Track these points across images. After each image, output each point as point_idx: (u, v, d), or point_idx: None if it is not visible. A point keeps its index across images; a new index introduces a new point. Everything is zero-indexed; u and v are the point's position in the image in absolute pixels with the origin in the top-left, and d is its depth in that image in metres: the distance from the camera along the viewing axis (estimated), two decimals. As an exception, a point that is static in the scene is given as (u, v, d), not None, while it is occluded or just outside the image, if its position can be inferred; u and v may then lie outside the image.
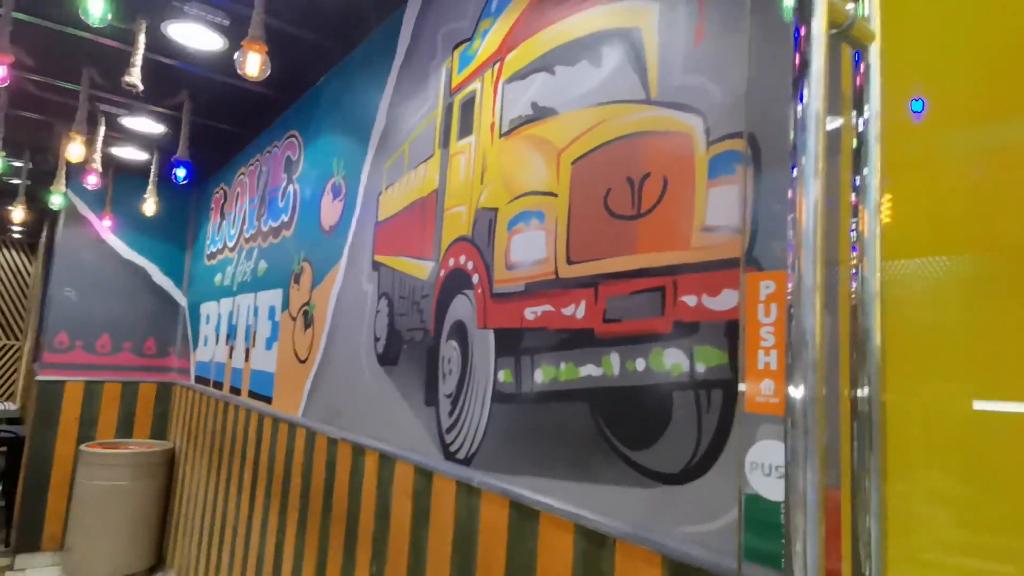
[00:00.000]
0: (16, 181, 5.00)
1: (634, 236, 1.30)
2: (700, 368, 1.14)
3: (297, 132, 3.24)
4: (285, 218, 3.22)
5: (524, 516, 1.49)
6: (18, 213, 4.73)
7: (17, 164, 4.66)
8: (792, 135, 0.71)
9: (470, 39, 1.96)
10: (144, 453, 4.44)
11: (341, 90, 2.81)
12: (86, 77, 3.15)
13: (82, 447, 4.40)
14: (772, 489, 0.97)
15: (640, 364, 1.25)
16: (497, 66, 1.81)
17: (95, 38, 2.76)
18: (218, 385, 3.95)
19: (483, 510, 1.63)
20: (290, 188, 3.22)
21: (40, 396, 4.64)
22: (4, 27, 2.52)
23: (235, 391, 3.63)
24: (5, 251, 8.98)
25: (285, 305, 3.06)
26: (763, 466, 0.98)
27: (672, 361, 1.19)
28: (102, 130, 3.55)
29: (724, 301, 1.11)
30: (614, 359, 1.30)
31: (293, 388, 2.85)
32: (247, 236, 3.78)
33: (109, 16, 2.13)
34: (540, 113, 1.61)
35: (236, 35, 2.60)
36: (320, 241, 2.79)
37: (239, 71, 2.17)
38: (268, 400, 3.14)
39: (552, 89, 1.58)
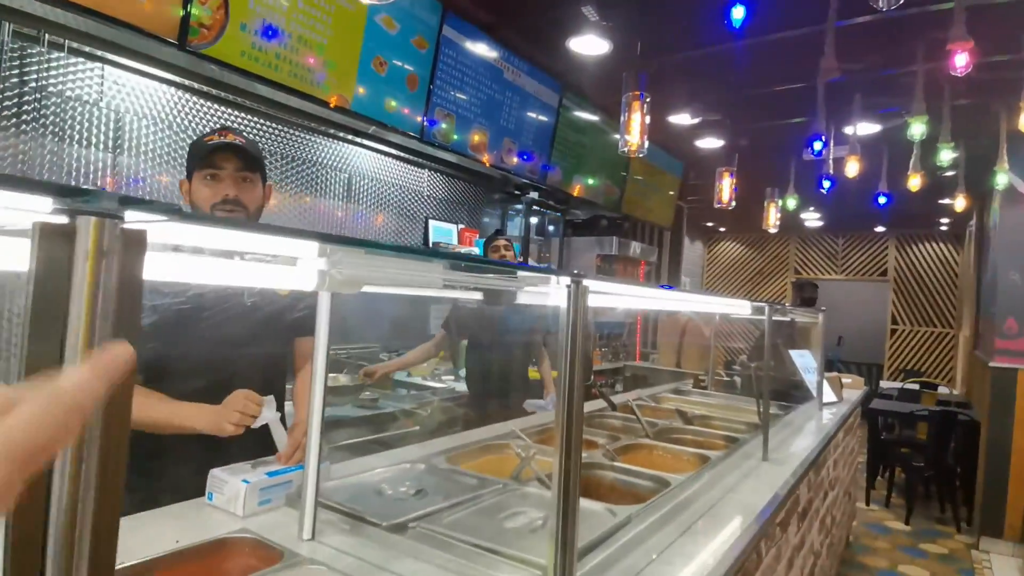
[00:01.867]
0: (951, 173, 5.15)
1: None
2: None
3: None
4: None
5: None
6: (959, 202, 4.84)
7: (953, 155, 4.78)
8: None
9: None
10: None
11: None
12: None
13: (1048, 445, 4.00)
14: None
15: None
16: None
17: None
18: None
19: None
20: None
21: (994, 383, 4.55)
22: (959, 12, 2.55)
23: None
24: (932, 243, 9.56)
25: None
26: None
27: None
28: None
29: None
30: None
31: None
32: None
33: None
34: None
35: None
36: None
37: None
38: None
39: None
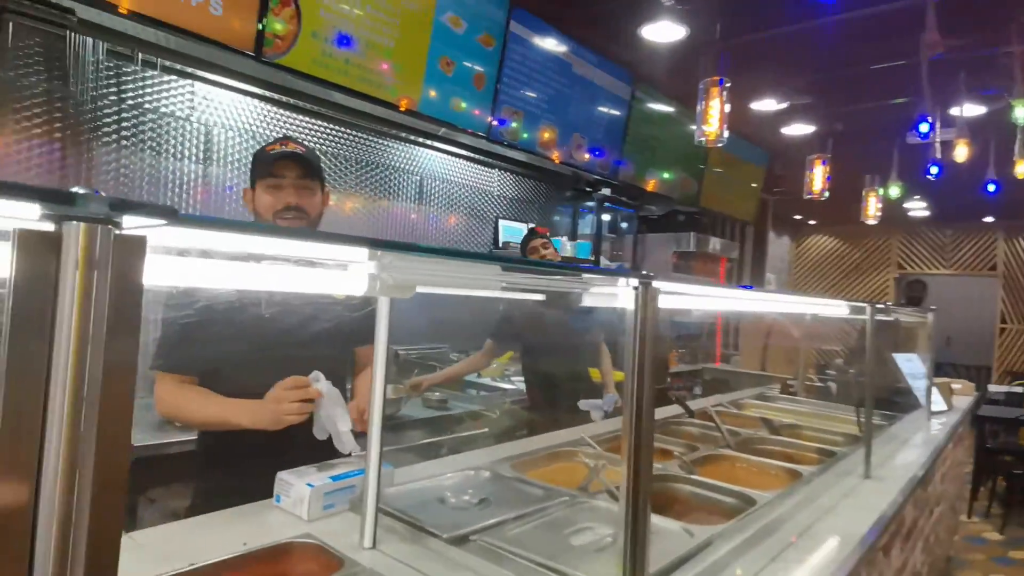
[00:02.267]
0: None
1: None
2: None
3: None
4: None
5: None
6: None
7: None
8: None
9: None
10: None
11: None
12: None
13: None
14: None
15: None
16: None
17: None
18: None
19: None
20: None
21: None
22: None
23: None
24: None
25: None
26: None
27: None
28: None
29: None
30: None
31: None
32: None
33: None
34: None
35: None
36: None
37: None
38: None
39: None
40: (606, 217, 6.01)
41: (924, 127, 2.79)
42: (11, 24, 2.38)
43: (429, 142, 3.71)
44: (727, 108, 2.20)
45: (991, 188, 4.29)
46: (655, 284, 0.82)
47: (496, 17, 2.90)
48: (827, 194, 3.40)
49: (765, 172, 6.07)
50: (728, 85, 2.18)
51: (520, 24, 3.03)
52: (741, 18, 2.90)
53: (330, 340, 1.59)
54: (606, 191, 5.15)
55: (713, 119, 2.18)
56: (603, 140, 3.98)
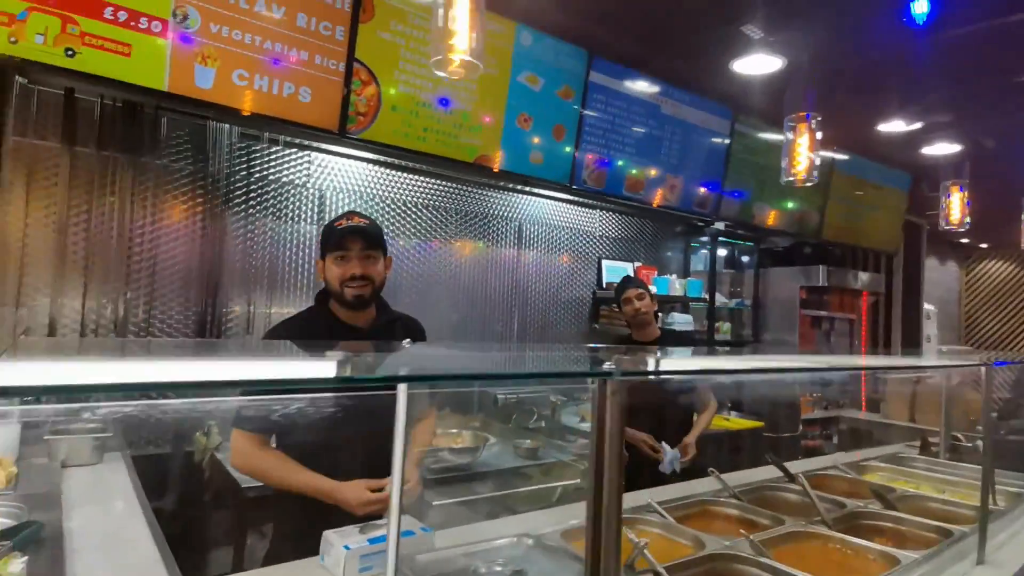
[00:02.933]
0: None
1: None
2: None
3: None
4: None
5: None
6: None
7: None
8: None
9: None
10: None
11: None
12: None
13: None
14: None
15: None
16: None
17: None
18: None
19: None
20: None
21: None
22: None
23: None
24: None
25: None
26: None
27: None
28: None
29: None
30: None
31: None
32: None
33: None
34: None
35: None
36: None
37: None
38: None
39: None
40: (722, 252, 5.68)
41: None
42: (164, 119, 2.84)
43: (520, 188, 3.78)
44: (819, 140, 1.99)
45: None
46: (618, 381, 0.76)
47: (575, 70, 2.93)
48: (968, 222, 2.93)
49: (908, 195, 5.40)
50: (818, 119, 1.98)
51: (601, 73, 3.03)
52: (838, 45, 2.64)
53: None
54: (720, 225, 4.89)
55: (802, 157, 1.98)
56: (703, 176, 3.80)
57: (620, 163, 3.28)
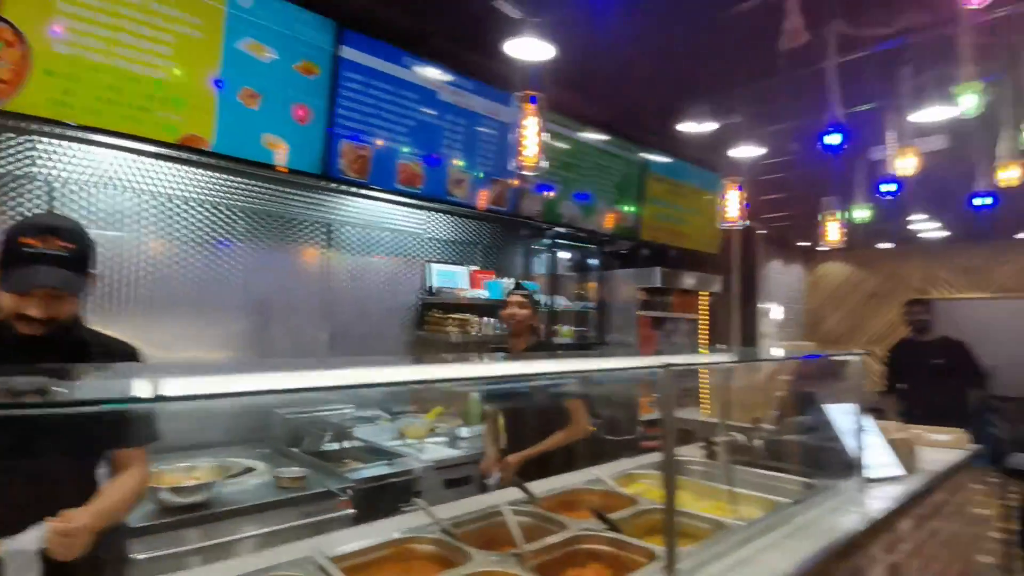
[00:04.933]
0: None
1: None
2: None
3: None
4: None
5: None
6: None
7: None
8: None
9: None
10: None
11: None
12: None
13: None
14: None
15: None
16: None
17: None
18: None
19: None
20: None
21: None
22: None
23: None
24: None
25: None
26: None
27: None
28: None
29: None
30: None
31: None
32: None
33: None
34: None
35: None
36: None
37: None
38: None
39: None
40: (565, 255, 5.61)
41: (835, 138, 2.30)
42: None
43: (255, 173, 3.26)
44: (544, 127, 1.80)
45: (978, 202, 3.69)
46: None
47: (319, 43, 2.57)
48: (746, 222, 2.93)
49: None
50: (541, 100, 1.79)
51: (355, 49, 2.69)
52: (611, 35, 2.53)
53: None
54: (559, 229, 4.78)
55: (529, 143, 1.79)
56: (494, 169, 3.56)
57: (389, 153, 2.97)
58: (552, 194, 4.17)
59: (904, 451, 2.59)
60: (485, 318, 4.45)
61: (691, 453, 2.85)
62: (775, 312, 8.80)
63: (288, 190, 3.50)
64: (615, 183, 4.57)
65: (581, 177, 4.25)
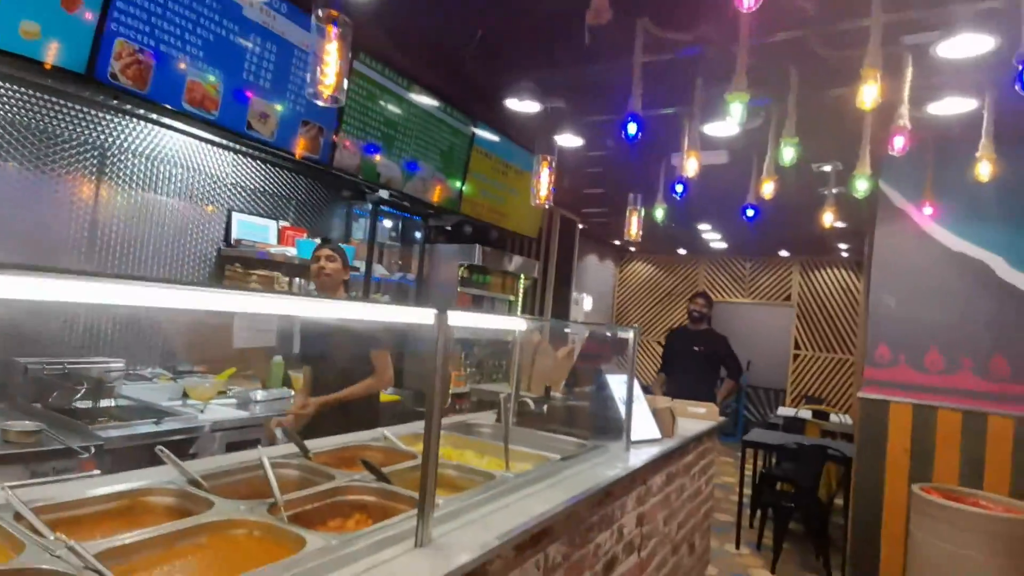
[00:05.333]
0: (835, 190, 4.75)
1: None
2: None
3: None
4: None
5: None
6: (827, 217, 4.44)
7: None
8: None
9: None
10: (1003, 520, 3.13)
11: None
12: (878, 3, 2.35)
13: (916, 489, 3.54)
14: None
15: None
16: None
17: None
18: None
19: None
20: None
21: (863, 415, 4.11)
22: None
23: None
24: (834, 270, 9.42)
25: None
26: None
27: None
28: (909, 72, 2.67)
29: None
30: None
31: None
32: None
33: None
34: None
35: None
36: None
37: None
38: None
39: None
40: (388, 223, 5.48)
41: (631, 127, 2.52)
42: None
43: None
44: (348, 55, 1.69)
45: (750, 213, 4.26)
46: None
47: None
48: (551, 203, 3.08)
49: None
50: (345, 25, 1.67)
51: None
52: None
53: None
54: (383, 194, 4.60)
55: (329, 71, 1.66)
56: (308, 112, 3.29)
57: (177, 65, 2.60)
58: (377, 155, 3.99)
59: (666, 418, 2.92)
60: (296, 279, 4.17)
61: (486, 419, 2.93)
62: (587, 303, 9.50)
63: (50, 97, 2.92)
64: (441, 151, 4.51)
65: (405, 138, 4.13)
